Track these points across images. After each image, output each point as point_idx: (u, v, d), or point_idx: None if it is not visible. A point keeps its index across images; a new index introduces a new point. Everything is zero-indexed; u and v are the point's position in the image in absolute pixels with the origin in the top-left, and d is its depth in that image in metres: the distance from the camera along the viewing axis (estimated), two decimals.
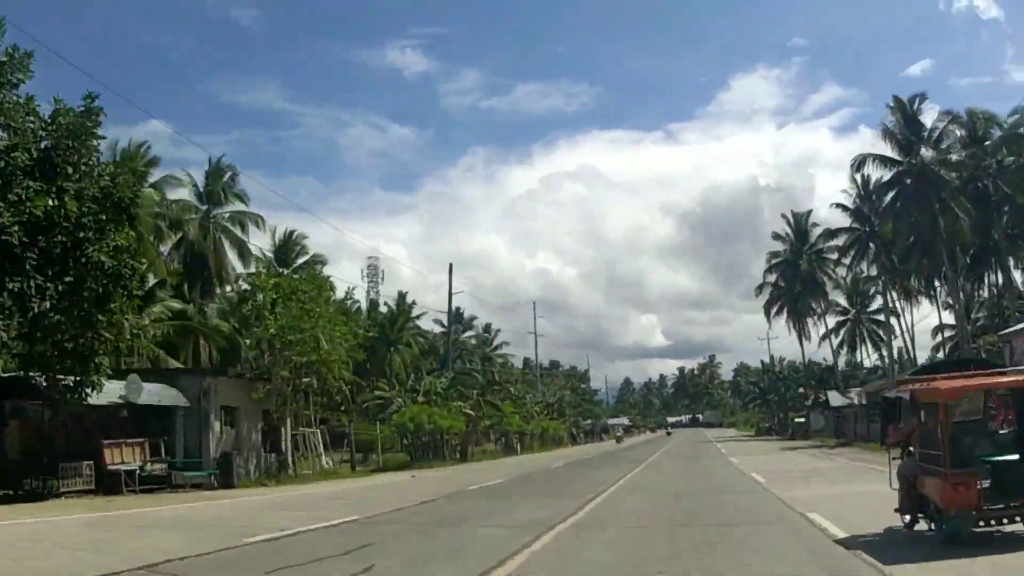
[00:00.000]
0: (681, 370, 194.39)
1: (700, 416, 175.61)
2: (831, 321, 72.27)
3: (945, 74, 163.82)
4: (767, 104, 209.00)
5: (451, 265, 53.09)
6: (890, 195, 47.75)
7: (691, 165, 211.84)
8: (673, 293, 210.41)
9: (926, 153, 45.29)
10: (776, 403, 74.78)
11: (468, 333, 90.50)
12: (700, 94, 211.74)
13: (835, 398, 52.20)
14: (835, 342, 72.38)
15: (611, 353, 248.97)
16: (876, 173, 49.35)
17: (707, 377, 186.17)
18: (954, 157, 45.14)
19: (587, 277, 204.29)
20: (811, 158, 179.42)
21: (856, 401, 48.38)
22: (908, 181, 45.83)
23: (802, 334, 72.01)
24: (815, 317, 71.93)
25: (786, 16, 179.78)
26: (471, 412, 46.79)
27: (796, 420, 55.44)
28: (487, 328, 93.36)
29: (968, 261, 54.77)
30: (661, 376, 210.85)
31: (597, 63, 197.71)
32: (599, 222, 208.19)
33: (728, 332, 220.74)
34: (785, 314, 72.26)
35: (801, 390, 64.52)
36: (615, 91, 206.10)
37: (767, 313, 73.04)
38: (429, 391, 47.62)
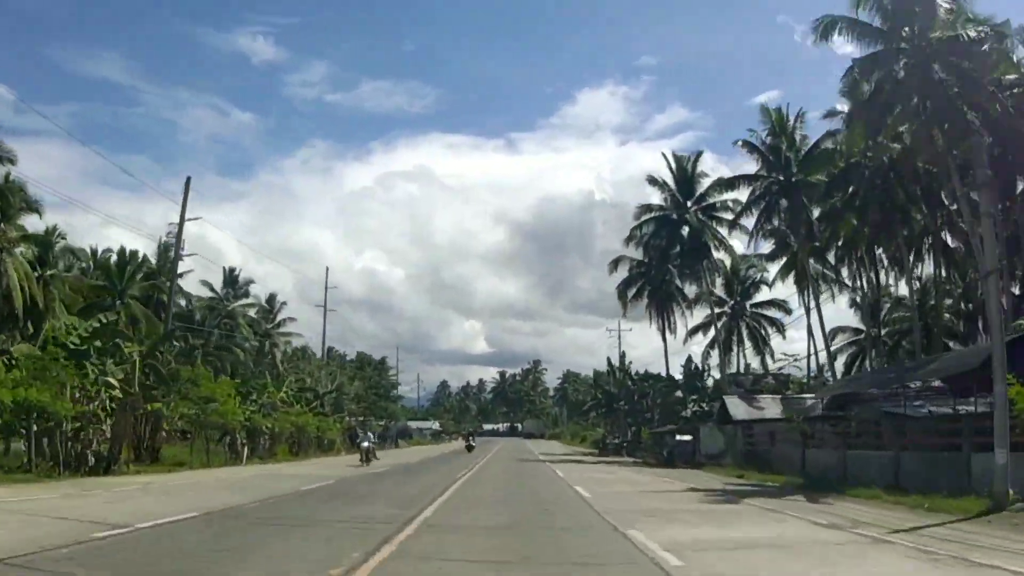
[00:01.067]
0: (502, 374, 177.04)
1: (520, 425, 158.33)
2: (699, 314, 55.64)
3: (792, 106, 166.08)
4: (611, 120, 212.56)
5: (188, 179, 31.64)
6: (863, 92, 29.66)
7: (528, 175, 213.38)
8: (498, 301, 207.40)
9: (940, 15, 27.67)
10: (626, 413, 56.94)
11: (245, 301, 66.28)
12: (545, 105, 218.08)
13: (737, 408, 34.18)
14: (705, 339, 56.12)
15: (432, 357, 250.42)
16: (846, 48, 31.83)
17: (530, 383, 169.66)
18: (971, 32, 27.82)
19: (413, 279, 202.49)
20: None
21: (781, 413, 30.41)
22: (898, 65, 28.18)
23: (667, 325, 54.75)
24: (683, 306, 55.00)
25: (638, 33, 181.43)
26: (115, 384, 24.31)
27: (679, 438, 36.64)
28: (270, 300, 69.67)
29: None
30: (480, 380, 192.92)
31: (444, 65, 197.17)
32: (430, 225, 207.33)
33: (550, 344, 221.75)
34: (646, 298, 54.77)
35: (678, 394, 46.39)
36: (460, 95, 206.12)
37: (622, 296, 55.20)
38: (56, 340, 24.76)
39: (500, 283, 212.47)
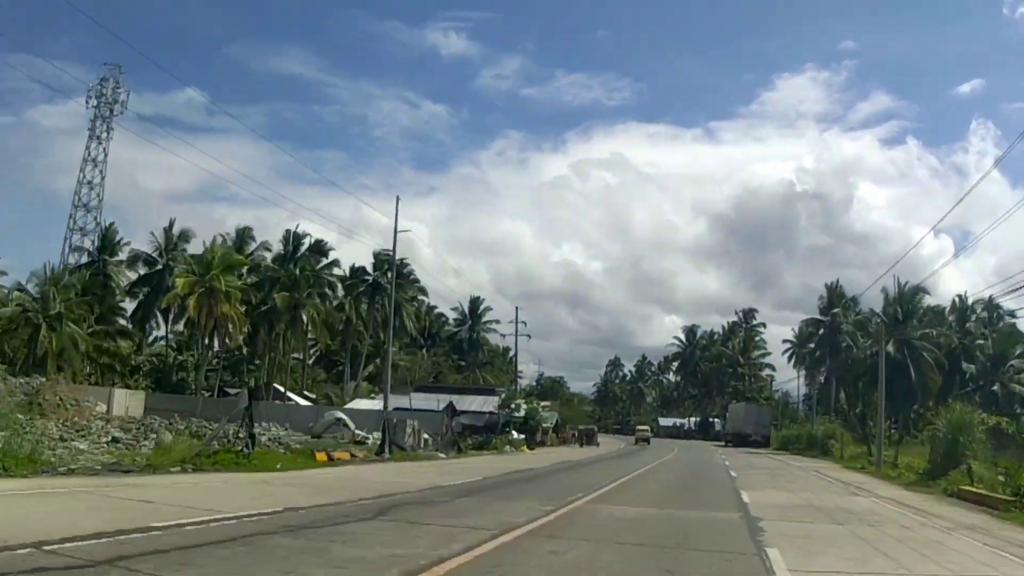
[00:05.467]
0: (689, 332, 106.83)
1: (719, 419, 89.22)
2: None
3: (997, 96, 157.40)
4: (813, 108, 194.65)
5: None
6: None
7: (728, 165, 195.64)
8: (699, 296, 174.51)
9: None
10: None
11: None
12: (744, 92, 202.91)
13: None
14: None
15: (631, 353, 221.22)
16: None
17: (738, 345, 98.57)
18: None
19: (611, 271, 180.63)
20: (853, 167, 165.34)
21: None
22: None
23: None
24: None
25: (837, 18, 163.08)
26: None
27: None
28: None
29: None
30: (664, 359, 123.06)
31: (640, 58, 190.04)
32: (627, 214, 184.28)
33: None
34: None
35: None
36: (656, 85, 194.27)
37: None
38: None
39: (701, 276, 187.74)
